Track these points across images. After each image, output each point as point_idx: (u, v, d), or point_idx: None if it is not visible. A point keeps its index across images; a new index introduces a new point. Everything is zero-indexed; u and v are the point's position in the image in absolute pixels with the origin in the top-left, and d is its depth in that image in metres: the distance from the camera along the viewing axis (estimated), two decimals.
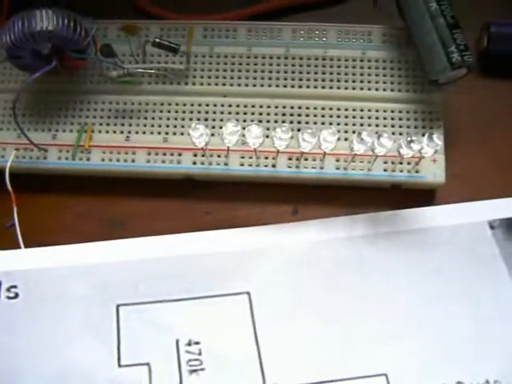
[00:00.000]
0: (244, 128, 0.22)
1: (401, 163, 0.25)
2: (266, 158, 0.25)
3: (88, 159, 0.26)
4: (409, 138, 0.22)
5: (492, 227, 0.24)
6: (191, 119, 0.26)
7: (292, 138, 0.23)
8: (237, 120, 0.25)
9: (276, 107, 0.26)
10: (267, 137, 0.24)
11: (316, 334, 0.23)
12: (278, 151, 0.24)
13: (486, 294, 0.23)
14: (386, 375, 0.22)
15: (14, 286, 0.23)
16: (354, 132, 0.25)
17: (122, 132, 0.26)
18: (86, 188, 0.26)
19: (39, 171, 0.26)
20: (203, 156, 0.25)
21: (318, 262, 0.24)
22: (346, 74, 0.26)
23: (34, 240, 0.24)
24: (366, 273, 0.24)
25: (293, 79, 0.26)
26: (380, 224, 0.25)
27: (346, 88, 0.26)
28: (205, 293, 0.23)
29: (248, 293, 0.23)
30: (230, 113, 0.26)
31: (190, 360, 0.22)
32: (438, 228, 0.24)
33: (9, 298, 0.23)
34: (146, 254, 0.24)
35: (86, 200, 0.26)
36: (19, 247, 0.24)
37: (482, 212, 0.25)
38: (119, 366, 0.22)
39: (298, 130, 0.25)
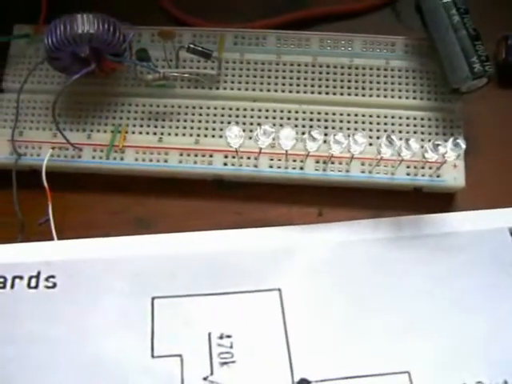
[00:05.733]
0: (276, 131, 0.23)
1: (423, 168, 0.26)
2: (295, 160, 0.26)
3: (121, 159, 0.26)
4: (435, 142, 0.23)
5: None
6: (222, 122, 0.27)
7: (325, 142, 0.24)
8: None
9: (304, 112, 0.27)
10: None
11: (342, 331, 0.23)
12: (308, 154, 0.25)
13: (507, 297, 0.24)
14: (408, 373, 0.22)
15: (53, 276, 0.24)
16: (377, 138, 0.26)
17: (155, 133, 0.27)
18: (118, 187, 0.27)
19: (74, 170, 0.27)
20: (234, 158, 0.26)
21: (342, 262, 0.25)
22: (371, 82, 0.27)
23: (67, 236, 0.25)
24: (389, 274, 0.24)
25: (320, 86, 0.27)
26: (403, 227, 0.25)
27: (371, 95, 0.27)
28: (237, 288, 0.24)
29: (279, 289, 0.24)
30: (259, 117, 0.27)
31: (221, 353, 0.23)
32: (460, 233, 0.25)
33: (47, 287, 0.24)
34: (181, 249, 0.25)
35: (118, 198, 0.27)
36: None
37: (502, 219, 0.25)
38: (152, 356, 0.23)
39: (325, 134, 0.26)
